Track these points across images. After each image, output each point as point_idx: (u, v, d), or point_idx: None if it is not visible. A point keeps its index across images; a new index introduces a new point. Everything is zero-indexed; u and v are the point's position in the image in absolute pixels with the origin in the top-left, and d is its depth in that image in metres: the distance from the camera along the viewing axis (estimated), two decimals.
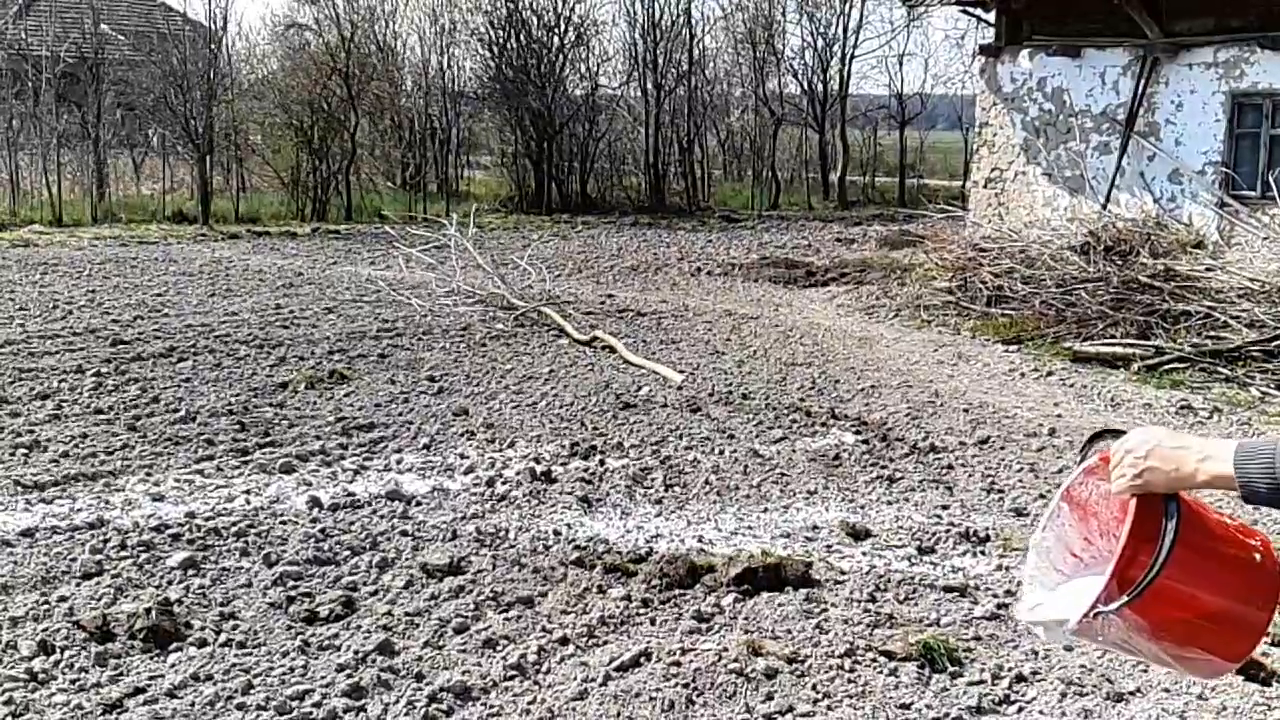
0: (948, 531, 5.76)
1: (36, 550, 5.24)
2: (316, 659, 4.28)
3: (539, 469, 6.60)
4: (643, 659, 4.31)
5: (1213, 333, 10.14)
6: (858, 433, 7.64)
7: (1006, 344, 10.88)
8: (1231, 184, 13.48)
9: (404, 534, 5.56)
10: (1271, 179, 12.79)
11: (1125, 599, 1.82)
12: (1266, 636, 2.12)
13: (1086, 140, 14.65)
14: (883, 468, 6.87)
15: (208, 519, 5.69)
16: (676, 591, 4.95)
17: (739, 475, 6.69)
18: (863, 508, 6.18)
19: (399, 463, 6.79)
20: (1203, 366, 9.58)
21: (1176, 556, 1.85)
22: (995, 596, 4.97)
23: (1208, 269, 11.38)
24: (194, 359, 9.36)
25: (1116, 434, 1.99)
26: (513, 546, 5.44)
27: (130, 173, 23.29)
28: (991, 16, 16.21)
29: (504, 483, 6.41)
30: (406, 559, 5.25)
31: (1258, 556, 1.92)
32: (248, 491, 6.19)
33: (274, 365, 9.21)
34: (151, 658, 4.26)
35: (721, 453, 7.11)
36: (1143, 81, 14.08)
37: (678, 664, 4.26)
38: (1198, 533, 1.90)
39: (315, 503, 5.97)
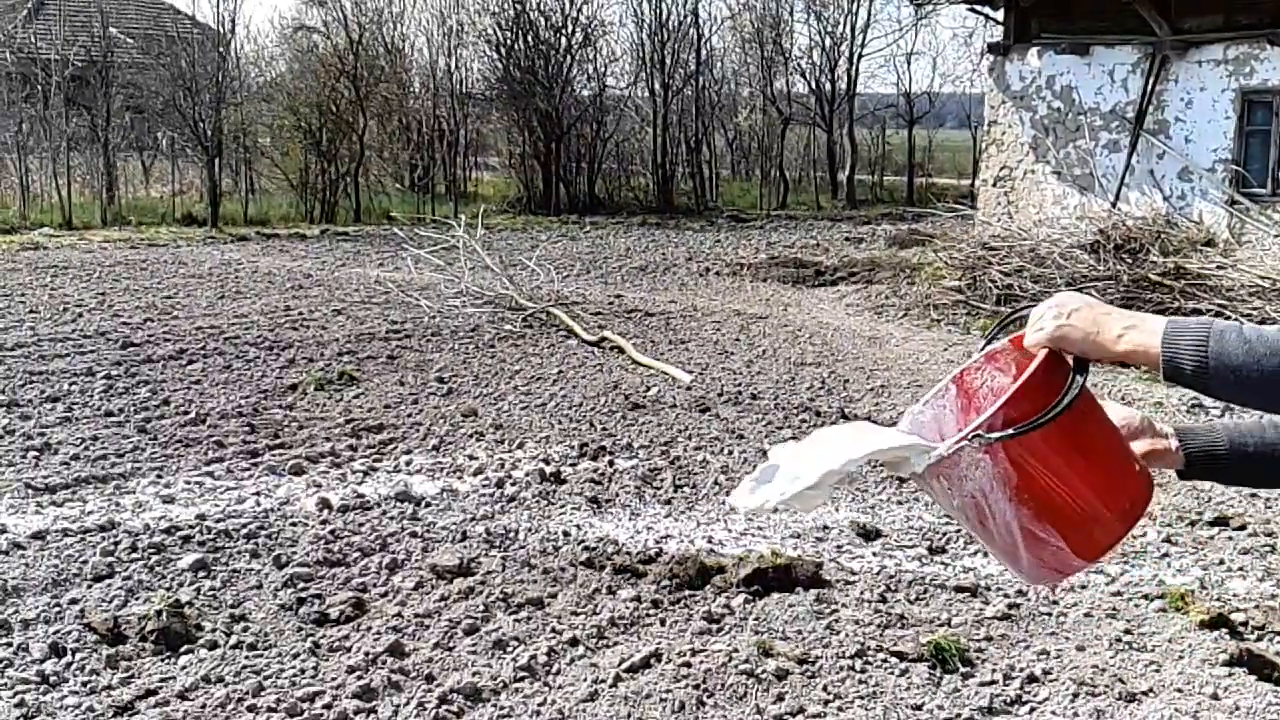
0: (958, 531, 5.74)
1: (48, 552, 5.25)
2: (327, 660, 4.28)
3: (548, 470, 6.60)
4: (653, 660, 4.31)
5: None
6: None
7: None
8: (1242, 181, 13.45)
9: (414, 535, 5.56)
10: None
11: (1011, 431, 1.74)
12: (1114, 552, 2.06)
13: (1096, 138, 14.62)
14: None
15: (218, 521, 5.70)
16: (686, 592, 4.94)
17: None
18: (873, 508, 6.17)
19: (408, 464, 6.79)
20: None
21: (1073, 418, 1.78)
22: (1006, 596, 4.96)
23: (1218, 267, 11.34)
24: (204, 361, 9.38)
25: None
26: (522, 547, 5.44)
27: (139, 176, 23.35)
28: (1000, 15, 16.19)
29: (513, 484, 6.41)
30: (416, 560, 5.25)
31: (1137, 468, 1.89)
32: (258, 493, 6.20)
33: (283, 367, 9.22)
34: (163, 659, 4.27)
35: (731, 453, 7.10)
36: (1152, 79, 14.05)
37: (688, 665, 4.26)
38: (1095, 413, 1.86)
39: (325, 504, 5.98)
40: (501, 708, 3.98)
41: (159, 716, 3.87)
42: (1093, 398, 1.86)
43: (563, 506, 6.09)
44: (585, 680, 4.16)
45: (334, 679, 4.13)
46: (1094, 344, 1.78)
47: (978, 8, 17.73)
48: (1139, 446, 1.95)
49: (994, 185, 15.83)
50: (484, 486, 6.38)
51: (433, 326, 11.09)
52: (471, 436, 7.38)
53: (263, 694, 4.02)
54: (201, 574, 5.04)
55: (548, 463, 6.78)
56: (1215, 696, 4.15)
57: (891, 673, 4.26)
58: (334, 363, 9.38)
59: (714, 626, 4.63)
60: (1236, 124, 13.50)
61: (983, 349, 1.98)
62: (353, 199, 22.45)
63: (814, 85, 28.55)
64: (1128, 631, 4.66)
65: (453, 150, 25.43)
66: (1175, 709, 4.06)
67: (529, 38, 24.56)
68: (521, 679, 4.17)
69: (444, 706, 3.96)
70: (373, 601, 4.81)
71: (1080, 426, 1.83)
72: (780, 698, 4.07)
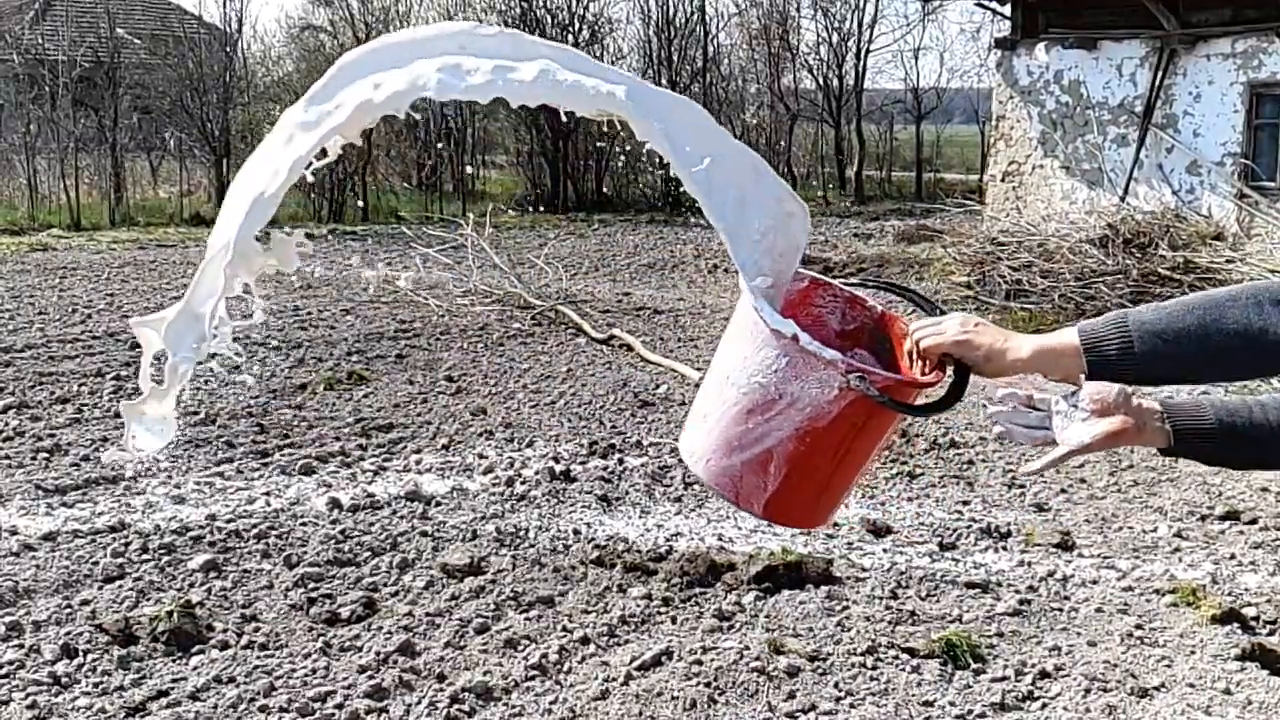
0: (969, 527, 5.74)
1: (58, 554, 5.26)
2: (338, 660, 4.29)
3: (558, 468, 6.60)
4: (664, 658, 4.31)
5: None
6: None
7: None
8: (1250, 175, 13.40)
9: (424, 534, 5.57)
10: None
11: (884, 399, 1.78)
12: (762, 520, 2.15)
13: (1104, 133, 14.58)
14: (903, 464, 6.85)
15: (228, 521, 5.71)
16: (697, 590, 4.94)
17: None
18: (883, 504, 6.16)
19: (418, 463, 6.80)
20: None
21: (882, 434, 1.88)
22: (1018, 593, 4.95)
23: (1228, 261, 11.31)
24: (212, 361, 9.37)
25: (929, 307, 1.96)
26: (533, 546, 5.44)
27: (147, 176, 23.38)
28: (1007, 9, 16.15)
29: (523, 482, 6.41)
30: (427, 559, 5.26)
31: (854, 492, 2.03)
32: (268, 493, 6.21)
33: (292, 367, 9.23)
34: (174, 660, 4.28)
35: None
36: (1160, 73, 14.01)
37: (699, 663, 4.26)
38: (880, 444, 1.94)
39: (335, 504, 5.98)
40: (513, 706, 3.99)
41: (171, 717, 3.88)
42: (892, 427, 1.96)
43: (573, 505, 6.09)
44: (597, 678, 4.16)
45: (345, 679, 4.13)
46: (998, 352, 1.81)
47: (985, 3, 17.69)
48: (1116, 419, 1.87)
49: (1002, 180, 15.79)
50: (494, 485, 6.39)
51: (441, 325, 11.10)
52: (481, 435, 7.38)
53: (274, 694, 4.03)
54: (212, 574, 5.04)
55: (557, 461, 6.79)
56: (1227, 691, 4.14)
57: (903, 669, 4.25)
58: (343, 362, 9.39)
59: (725, 624, 4.63)
60: (1245, 117, 13.45)
61: (854, 285, 2.07)
62: (360, 198, 22.47)
63: (821, 81, 28.51)
64: (1139, 627, 4.65)
65: (460, 148, 25.44)
66: (1187, 704, 4.05)
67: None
68: (533, 678, 4.17)
69: (455, 705, 3.96)
70: (383, 601, 4.82)
71: (880, 442, 1.91)
72: (792, 695, 4.07)
